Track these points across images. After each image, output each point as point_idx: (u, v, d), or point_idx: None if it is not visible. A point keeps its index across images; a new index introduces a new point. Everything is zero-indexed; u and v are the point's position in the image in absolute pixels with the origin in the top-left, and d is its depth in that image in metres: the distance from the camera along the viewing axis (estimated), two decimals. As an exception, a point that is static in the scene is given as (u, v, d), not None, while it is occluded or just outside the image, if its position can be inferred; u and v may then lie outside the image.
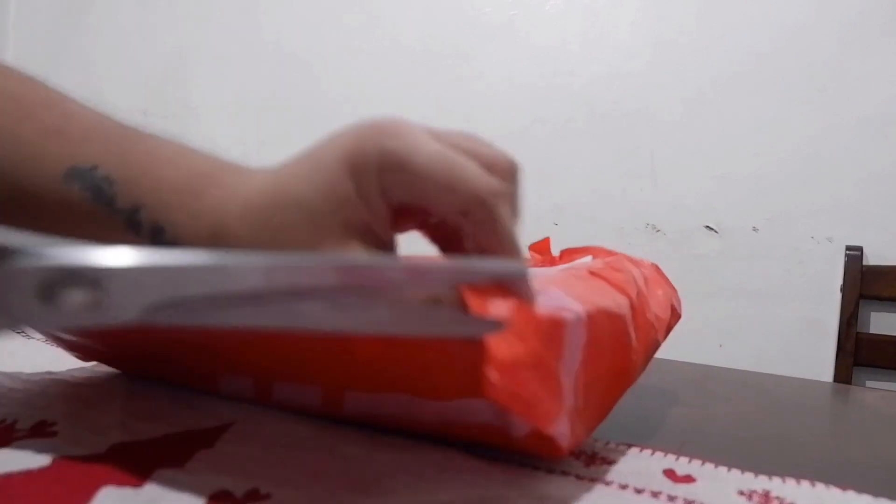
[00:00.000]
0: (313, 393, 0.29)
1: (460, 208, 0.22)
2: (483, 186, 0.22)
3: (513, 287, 0.21)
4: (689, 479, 0.27)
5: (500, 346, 0.20)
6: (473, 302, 0.20)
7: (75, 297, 0.12)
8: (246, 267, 0.14)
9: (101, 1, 1.87)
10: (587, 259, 0.38)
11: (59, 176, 0.25)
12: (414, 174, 0.22)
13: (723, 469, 0.28)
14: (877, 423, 0.41)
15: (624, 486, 0.26)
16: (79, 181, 0.24)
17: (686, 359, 0.54)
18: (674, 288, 0.38)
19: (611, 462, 0.28)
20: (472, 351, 0.20)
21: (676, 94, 1.24)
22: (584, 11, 1.31)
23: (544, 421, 0.22)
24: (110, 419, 0.30)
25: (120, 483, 0.23)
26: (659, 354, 0.35)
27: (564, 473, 0.26)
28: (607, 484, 0.26)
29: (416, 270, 0.18)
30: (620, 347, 0.28)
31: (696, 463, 0.28)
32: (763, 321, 1.17)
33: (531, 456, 0.27)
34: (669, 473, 0.27)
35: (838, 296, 1.09)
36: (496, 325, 0.20)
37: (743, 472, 0.28)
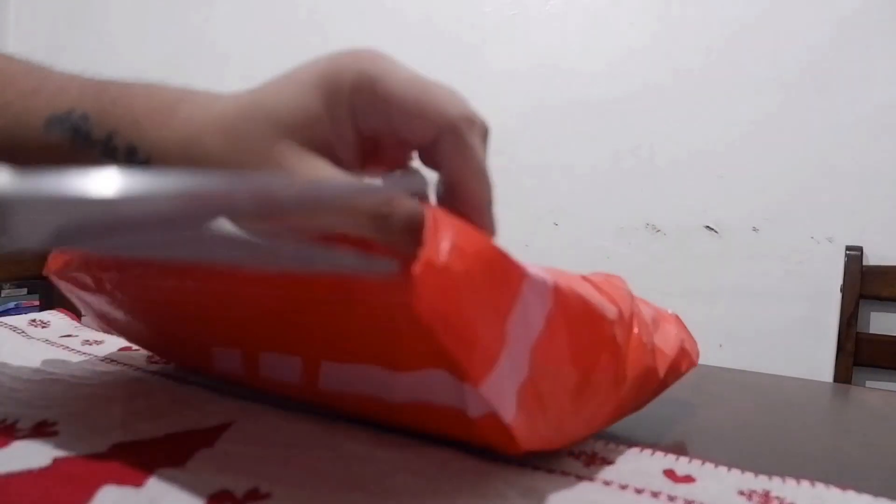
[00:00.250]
0: (294, 364, 0.30)
1: (431, 133, 0.22)
2: (454, 111, 0.22)
3: (475, 215, 0.22)
4: (689, 479, 0.27)
5: (435, 251, 0.19)
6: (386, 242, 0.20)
7: None
8: (150, 193, 0.14)
9: (101, 0, 1.87)
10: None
11: (40, 127, 0.26)
12: (385, 96, 0.22)
13: (723, 469, 0.28)
14: (877, 423, 0.41)
15: (624, 486, 0.26)
16: (57, 126, 0.26)
17: (686, 359, 0.54)
18: (694, 339, 0.37)
19: (611, 462, 0.28)
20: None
21: (676, 94, 1.24)
22: (584, 11, 1.31)
23: (474, 365, 0.20)
24: (111, 419, 0.30)
25: (121, 482, 0.23)
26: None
27: (564, 473, 0.26)
28: (607, 484, 0.26)
29: (316, 190, 0.18)
30: (605, 347, 0.27)
31: (696, 463, 0.28)
32: (763, 321, 1.17)
33: (529, 456, 0.27)
34: (669, 473, 0.27)
35: (838, 296, 1.09)
36: (390, 265, 0.20)
37: (743, 472, 0.27)
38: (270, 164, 0.22)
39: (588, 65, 1.31)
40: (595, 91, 1.30)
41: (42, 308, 1.01)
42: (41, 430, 0.28)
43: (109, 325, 0.40)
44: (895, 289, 1.07)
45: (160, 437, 0.28)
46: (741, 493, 0.26)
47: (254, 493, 0.23)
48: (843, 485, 0.26)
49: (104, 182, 0.14)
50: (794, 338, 1.15)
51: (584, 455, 0.28)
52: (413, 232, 0.20)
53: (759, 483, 0.26)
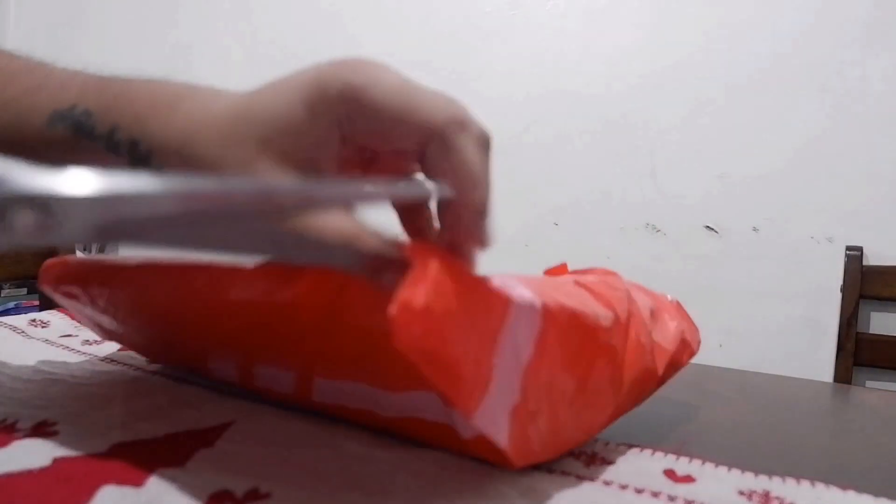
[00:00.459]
0: (287, 378, 0.30)
1: (417, 139, 0.22)
2: (440, 116, 0.22)
3: (465, 224, 0.22)
4: (689, 479, 0.27)
5: (413, 292, 0.18)
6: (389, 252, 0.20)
7: (27, 220, 0.13)
8: (155, 192, 0.15)
9: (101, 1, 1.87)
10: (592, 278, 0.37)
11: (44, 123, 0.26)
12: (371, 105, 0.22)
13: (723, 469, 0.28)
14: (877, 423, 0.41)
15: (624, 486, 0.26)
16: (60, 122, 0.26)
17: (686, 359, 0.54)
18: (694, 326, 0.37)
19: (611, 462, 0.28)
20: None
21: (676, 94, 1.24)
22: (584, 10, 1.31)
23: (463, 398, 0.20)
24: (111, 419, 0.30)
25: (121, 482, 0.23)
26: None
27: (564, 473, 0.26)
28: (607, 484, 0.26)
29: (309, 193, 0.18)
30: (601, 356, 0.27)
31: (696, 463, 0.28)
32: (763, 321, 1.17)
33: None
34: (669, 473, 0.27)
35: (838, 296, 1.09)
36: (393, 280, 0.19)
37: (743, 472, 0.27)
38: (251, 174, 0.22)
39: (588, 64, 1.31)
40: (595, 91, 1.30)
41: (42, 308, 1.01)
42: (41, 430, 0.28)
43: (105, 335, 0.40)
44: (895, 289, 1.07)
45: (160, 437, 0.28)
46: (741, 493, 0.26)
47: (254, 493, 0.23)
48: (843, 485, 0.26)
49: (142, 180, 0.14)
50: (794, 338, 1.15)
51: (584, 455, 0.28)
52: (385, 270, 0.20)
53: (759, 483, 0.26)
